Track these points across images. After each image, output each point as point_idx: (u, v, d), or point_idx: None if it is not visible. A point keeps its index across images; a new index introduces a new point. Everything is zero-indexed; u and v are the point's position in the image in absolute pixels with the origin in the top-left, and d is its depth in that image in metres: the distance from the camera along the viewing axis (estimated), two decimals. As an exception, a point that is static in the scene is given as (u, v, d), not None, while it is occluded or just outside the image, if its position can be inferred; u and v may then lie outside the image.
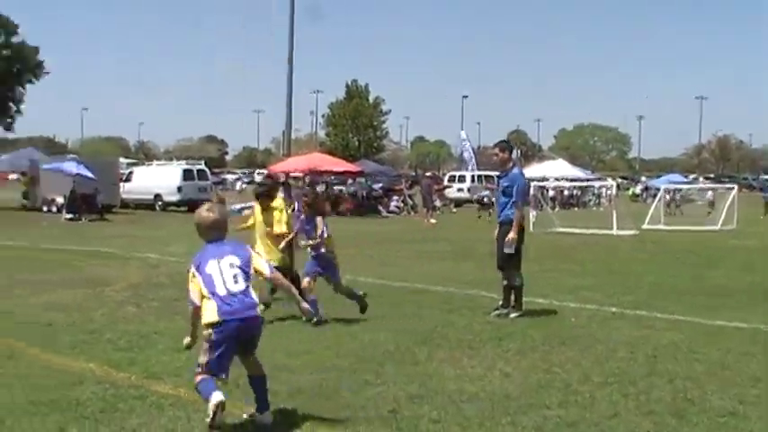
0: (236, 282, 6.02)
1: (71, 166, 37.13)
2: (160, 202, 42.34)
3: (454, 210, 47.83)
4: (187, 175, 42.72)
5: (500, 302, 11.25)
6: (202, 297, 5.99)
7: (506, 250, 10.89)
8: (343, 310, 11.34)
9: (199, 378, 5.97)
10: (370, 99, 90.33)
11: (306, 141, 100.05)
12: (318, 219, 10.71)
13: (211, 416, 5.71)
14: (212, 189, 46.01)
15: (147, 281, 14.60)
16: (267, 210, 11.37)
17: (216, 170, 68.12)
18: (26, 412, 6.36)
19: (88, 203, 35.59)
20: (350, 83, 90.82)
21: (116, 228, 30.63)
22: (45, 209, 40.05)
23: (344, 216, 38.71)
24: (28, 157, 48.14)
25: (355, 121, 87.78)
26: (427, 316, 11.10)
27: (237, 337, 5.98)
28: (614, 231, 27.69)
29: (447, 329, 10.08)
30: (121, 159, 60.50)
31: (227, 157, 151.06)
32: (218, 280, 5.99)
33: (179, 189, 42.04)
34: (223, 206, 6.64)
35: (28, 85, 46.12)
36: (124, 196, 42.40)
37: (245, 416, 6.29)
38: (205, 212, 6.41)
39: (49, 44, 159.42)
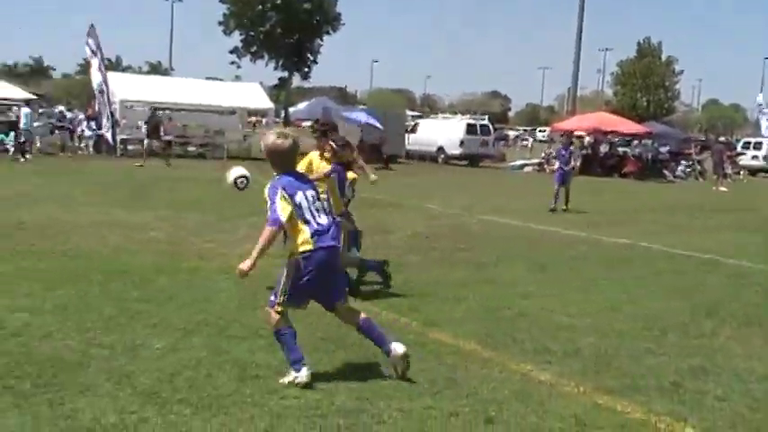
0: (320, 215, 5.99)
1: (361, 116, 38.58)
2: (443, 155, 43.03)
3: (747, 178, 45.04)
4: (470, 129, 43.06)
5: (797, 280, 10.47)
6: (293, 222, 5.89)
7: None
8: (621, 274, 11.07)
9: (279, 324, 5.90)
10: (663, 58, 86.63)
11: (591, 99, 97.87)
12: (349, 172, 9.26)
13: (294, 383, 5.72)
14: (494, 145, 46.18)
15: (428, 231, 14.94)
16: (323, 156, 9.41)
17: (498, 126, 68.12)
18: (315, 348, 6.69)
19: (374, 152, 36.87)
20: (642, 41, 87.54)
21: (400, 177, 31.52)
22: (335, 156, 41.96)
23: (627, 178, 37.60)
24: (322, 106, 50.67)
25: (645, 80, 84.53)
26: (714, 288, 10.55)
27: (321, 268, 5.91)
28: None
29: (736, 304, 9.51)
30: (407, 111, 62.00)
31: (510, 114, 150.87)
32: (308, 214, 5.93)
33: (461, 143, 42.49)
34: (295, 134, 6.19)
35: (325, 37, 48.27)
36: (408, 147, 43.47)
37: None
38: (279, 140, 6.03)
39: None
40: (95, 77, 34.62)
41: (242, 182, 9.38)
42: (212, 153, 37.15)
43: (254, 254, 5.75)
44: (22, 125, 31.28)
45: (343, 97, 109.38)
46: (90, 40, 34.53)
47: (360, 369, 6.22)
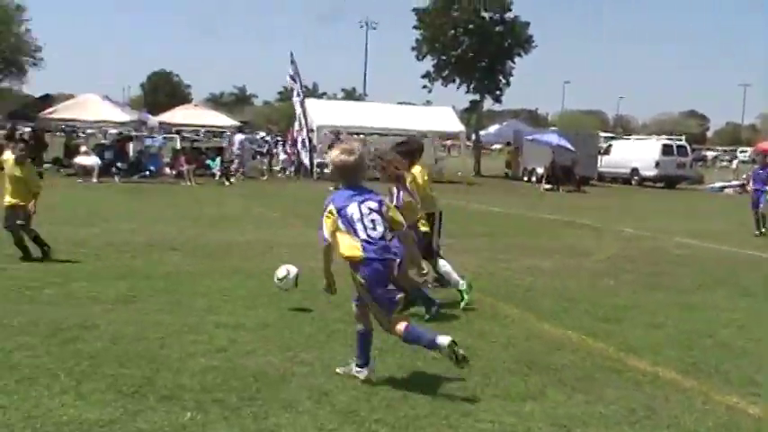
0: (374, 228, 6.10)
1: (552, 138, 38.24)
2: (636, 177, 42.01)
3: None
4: (666, 150, 41.83)
5: None
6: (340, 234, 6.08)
7: None
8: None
9: (400, 328, 6.04)
10: None
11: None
12: (395, 187, 8.51)
13: (456, 358, 5.87)
14: (692, 166, 44.58)
15: (622, 254, 14.58)
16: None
17: (695, 146, 65.63)
18: (509, 371, 6.66)
19: (566, 175, 36.42)
20: None
21: (592, 200, 31.01)
22: (525, 179, 41.76)
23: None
24: (513, 129, 50.53)
25: None
26: None
27: (374, 277, 6.02)
28: None
29: None
30: (600, 133, 60.80)
31: (708, 134, 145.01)
32: (359, 225, 6.07)
33: (657, 164, 41.34)
34: (361, 148, 6.44)
35: (516, 59, 48.16)
36: (601, 169, 42.71)
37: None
38: (345, 155, 6.27)
39: (537, 18, 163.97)
40: (295, 104, 36.10)
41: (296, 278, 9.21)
42: (405, 176, 37.76)
43: (324, 272, 6.18)
44: (235, 150, 33.11)
45: (534, 119, 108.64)
46: (290, 68, 36.02)
47: (556, 395, 6.12)
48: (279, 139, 42.07)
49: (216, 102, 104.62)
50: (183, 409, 5.44)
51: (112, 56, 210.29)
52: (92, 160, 29.78)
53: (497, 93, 48.55)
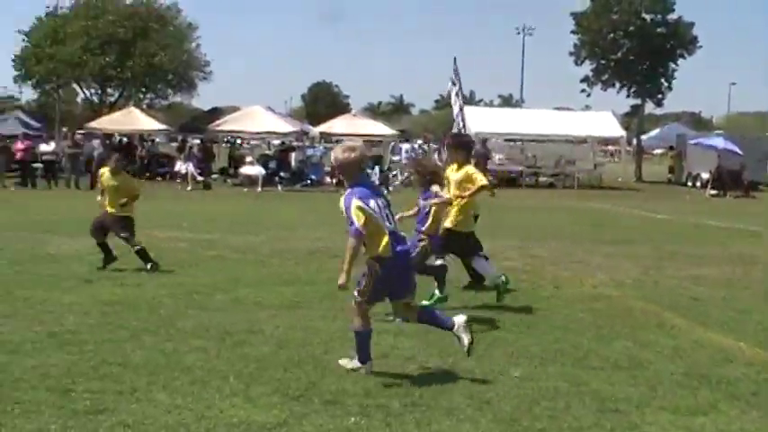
0: (391, 222, 6.45)
1: (718, 142, 36.84)
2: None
3: None
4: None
5: None
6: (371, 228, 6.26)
7: None
8: None
9: (360, 325, 6.46)
10: None
11: None
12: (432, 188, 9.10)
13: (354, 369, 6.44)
14: None
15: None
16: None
17: None
18: (677, 383, 6.45)
19: (734, 180, 35.02)
20: None
21: (762, 206, 29.67)
22: (689, 184, 40.39)
23: None
24: (675, 133, 48.93)
25: None
26: None
27: (397, 270, 6.40)
28: None
29: None
30: (769, 135, 58.08)
31: None
32: (382, 217, 6.35)
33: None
34: (361, 146, 6.76)
35: (680, 61, 46.58)
36: (772, 174, 40.78)
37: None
38: (348, 152, 6.53)
39: (702, 18, 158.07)
40: (455, 110, 36.20)
41: None
42: (563, 182, 37.27)
43: (346, 266, 6.24)
44: (403, 158, 33.62)
45: (697, 123, 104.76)
46: (452, 74, 36.11)
47: (729, 409, 5.89)
48: (435, 146, 42.22)
49: (374, 111, 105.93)
50: (347, 413, 5.55)
51: (275, 68, 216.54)
52: (256, 170, 30.82)
53: (659, 96, 47.11)
